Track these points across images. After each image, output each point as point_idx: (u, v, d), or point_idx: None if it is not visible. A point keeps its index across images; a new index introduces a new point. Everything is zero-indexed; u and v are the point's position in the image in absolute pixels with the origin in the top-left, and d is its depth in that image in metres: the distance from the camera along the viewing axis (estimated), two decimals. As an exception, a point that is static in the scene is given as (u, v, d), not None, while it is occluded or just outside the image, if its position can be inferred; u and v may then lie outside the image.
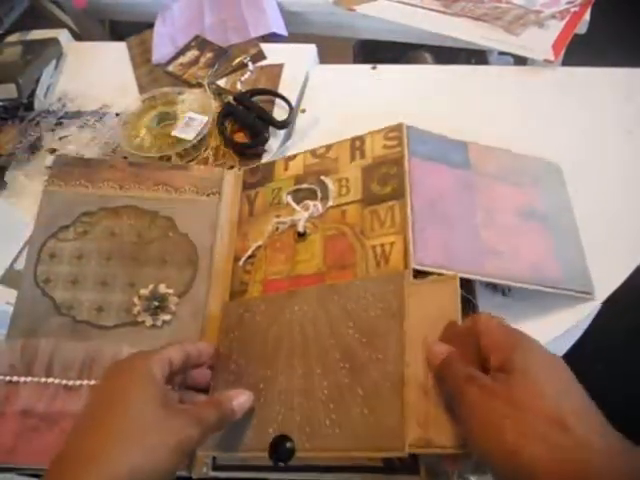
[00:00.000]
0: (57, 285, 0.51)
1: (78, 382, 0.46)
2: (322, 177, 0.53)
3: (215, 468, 0.42)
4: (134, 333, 0.49)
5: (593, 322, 0.53)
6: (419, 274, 0.42)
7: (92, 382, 0.46)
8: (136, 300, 0.50)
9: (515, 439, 0.28)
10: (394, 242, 0.44)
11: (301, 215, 0.51)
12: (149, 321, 0.49)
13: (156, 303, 0.50)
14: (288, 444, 0.37)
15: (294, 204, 0.52)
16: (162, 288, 0.51)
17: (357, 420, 0.36)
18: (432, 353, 0.35)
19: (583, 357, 0.33)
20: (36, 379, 0.46)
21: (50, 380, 0.46)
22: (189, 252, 0.52)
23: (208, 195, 0.55)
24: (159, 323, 0.49)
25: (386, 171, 0.49)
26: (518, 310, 0.47)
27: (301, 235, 0.50)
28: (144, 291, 0.50)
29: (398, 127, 0.52)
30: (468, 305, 0.46)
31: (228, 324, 0.47)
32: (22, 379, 0.46)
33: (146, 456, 0.33)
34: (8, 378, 0.46)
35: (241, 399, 0.39)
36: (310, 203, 0.52)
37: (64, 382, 0.46)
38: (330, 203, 0.51)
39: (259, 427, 0.39)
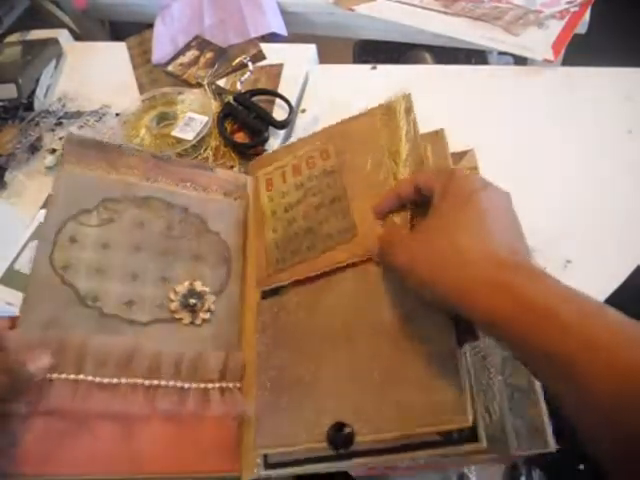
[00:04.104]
0: (79, 272, 0.45)
1: (115, 380, 0.42)
2: None
3: (267, 466, 0.41)
4: (172, 330, 0.46)
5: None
6: None
7: (131, 380, 0.42)
8: (172, 296, 0.47)
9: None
10: None
11: None
12: (187, 318, 0.46)
13: (193, 300, 0.47)
14: (346, 430, 0.36)
15: None
16: (198, 286, 0.48)
17: (413, 399, 0.35)
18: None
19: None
20: (63, 376, 0.40)
21: (81, 377, 0.41)
22: (222, 251, 0.50)
23: (235, 199, 0.54)
24: (198, 321, 0.46)
25: None
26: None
27: None
28: (180, 287, 0.47)
29: None
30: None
31: (264, 322, 0.46)
32: (47, 376, 0.40)
33: None
34: None
35: (40, 363, 0.38)
36: None
37: (97, 379, 0.41)
38: None
39: (312, 419, 0.38)
